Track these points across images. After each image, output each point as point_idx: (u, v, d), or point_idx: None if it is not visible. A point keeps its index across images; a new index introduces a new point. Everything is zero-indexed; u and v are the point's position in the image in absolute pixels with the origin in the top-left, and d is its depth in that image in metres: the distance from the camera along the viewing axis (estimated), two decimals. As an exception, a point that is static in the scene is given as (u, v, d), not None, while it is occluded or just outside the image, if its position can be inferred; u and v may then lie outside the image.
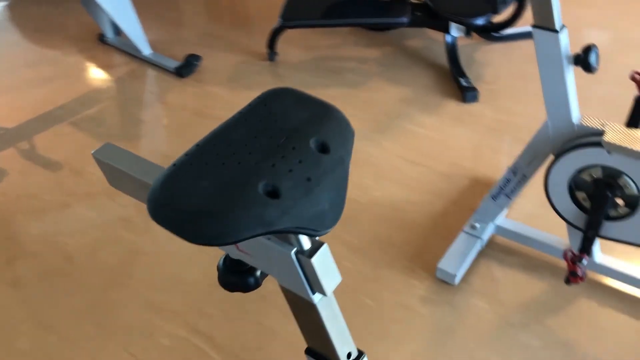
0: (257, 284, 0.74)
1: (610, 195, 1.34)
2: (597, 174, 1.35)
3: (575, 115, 1.36)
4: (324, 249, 0.62)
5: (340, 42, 2.70)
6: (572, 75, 1.33)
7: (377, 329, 1.50)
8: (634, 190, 1.32)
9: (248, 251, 0.66)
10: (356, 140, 2.11)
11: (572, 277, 1.44)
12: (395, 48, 2.61)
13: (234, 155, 0.56)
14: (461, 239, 1.65)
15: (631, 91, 1.31)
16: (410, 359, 1.43)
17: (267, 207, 0.53)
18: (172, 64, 2.57)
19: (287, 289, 0.68)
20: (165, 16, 3.07)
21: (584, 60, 1.29)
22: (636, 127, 1.34)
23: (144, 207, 1.89)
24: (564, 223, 1.45)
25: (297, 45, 2.69)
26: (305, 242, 0.62)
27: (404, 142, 2.08)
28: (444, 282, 1.59)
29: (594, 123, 1.35)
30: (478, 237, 1.64)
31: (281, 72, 2.53)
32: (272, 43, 2.56)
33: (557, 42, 1.28)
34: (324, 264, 0.62)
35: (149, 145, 2.20)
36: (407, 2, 2.45)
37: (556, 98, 1.35)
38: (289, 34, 2.64)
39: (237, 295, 1.61)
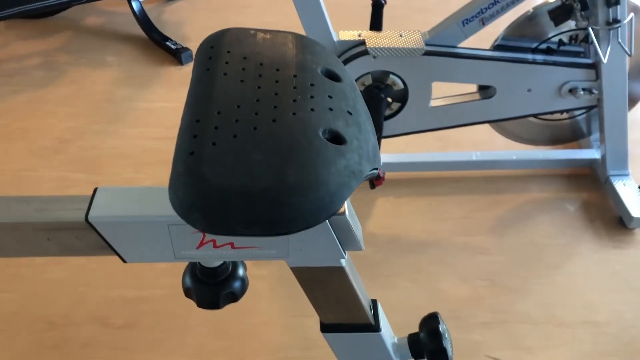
0: (245, 285, 0.60)
1: (383, 96, 1.46)
2: (368, 81, 1.45)
3: (333, 33, 1.42)
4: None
5: (2, 40, 2.26)
6: (320, -4, 1.38)
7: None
8: (401, 85, 1.46)
9: (253, 243, 0.52)
10: (94, 136, 1.85)
11: (376, 180, 1.56)
12: (76, 31, 2.31)
13: (258, 115, 0.42)
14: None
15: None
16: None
17: (346, 155, 0.42)
18: None
19: (302, 267, 0.56)
20: None
21: (331, -23, 1.34)
22: (380, 29, 1.48)
23: None
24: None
25: (-52, 57, 2.16)
26: (328, 198, 0.52)
27: (145, 122, 1.90)
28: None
29: (351, 36, 1.43)
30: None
31: (-56, 94, 2.01)
32: None
33: (303, -34, 1.30)
34: (352, 215, 0.53)
35: None
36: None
37: (314, 21, 1.38)
38: None
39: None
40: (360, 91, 1.45)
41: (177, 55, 2.12)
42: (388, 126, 1.53)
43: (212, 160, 0.39)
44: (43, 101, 1.98)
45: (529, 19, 1.45)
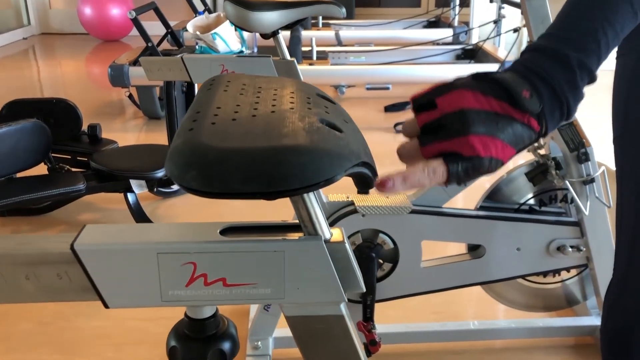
0: (236, 347, 0.55)
1: (374, 255, 1.46)
2: (358, 240, 1.47)
3: (323, 196, 1.48)
4: (343, 230, 0.51)
5: (-3, 235, 2.30)
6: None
7: None
8: (391, 244, 1.47)
9: (247, 279, 0.48)
10: (75, 318, 1.78)
11: (372, 346, 1.47)
12: (69, 225, 2.36)
13: (257, 110, 0.44)
14: (251, 365, 1.52)
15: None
16: None
17: (345, 139, 0.42)
18: None
19: (299, 316, 0.51)
20: None
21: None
22: (367, 193, 1.54)
23: None
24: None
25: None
26: (325, 227, 0.50)
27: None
28: (254, 413, 1.41)
29: (340, 197, 1.49)
30: (266, 355, 1.54)
31: None
32: None
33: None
34: (351, 251, 0.51)
35: None
36: (71, 172, 2.31)
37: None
38: None
39: None
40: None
41: (168, 242, 2.15)
42: (381, 289, 1.50)
43: (210, 132, 0.39)
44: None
45: (508, 181, 1.53)
